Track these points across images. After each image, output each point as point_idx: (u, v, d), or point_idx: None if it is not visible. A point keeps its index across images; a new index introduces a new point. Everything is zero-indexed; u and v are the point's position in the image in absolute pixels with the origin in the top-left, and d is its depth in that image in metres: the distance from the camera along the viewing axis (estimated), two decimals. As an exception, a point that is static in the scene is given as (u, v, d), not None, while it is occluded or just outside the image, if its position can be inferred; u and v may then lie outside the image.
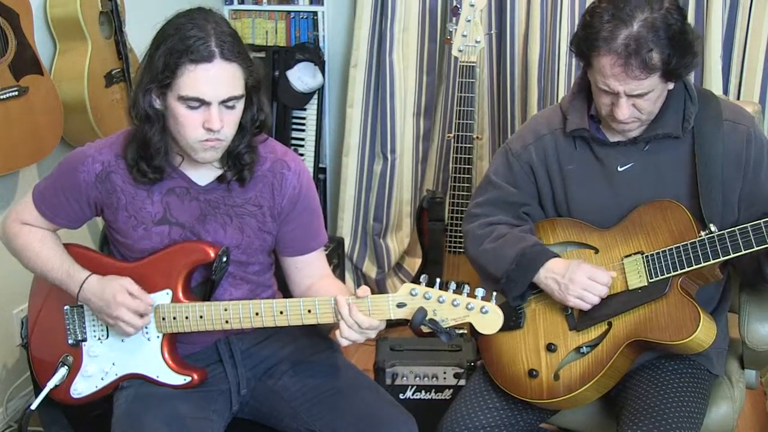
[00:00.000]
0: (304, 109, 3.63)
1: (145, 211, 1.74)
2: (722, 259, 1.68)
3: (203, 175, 1.75)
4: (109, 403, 1.78)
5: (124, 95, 2.75)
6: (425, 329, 1.56)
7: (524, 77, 3.24)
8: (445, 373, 2.42)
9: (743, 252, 1.66)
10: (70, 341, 1.82)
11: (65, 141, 2.65)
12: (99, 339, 1.80)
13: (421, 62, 3.37)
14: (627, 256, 1.80)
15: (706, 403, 1.80)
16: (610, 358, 1.75)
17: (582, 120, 1.84)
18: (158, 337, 1.75)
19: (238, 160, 1.71)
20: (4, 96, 2.31)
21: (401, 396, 2.43)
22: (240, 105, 1.64)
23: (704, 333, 1.68)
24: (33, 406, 1.82)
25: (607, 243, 1.84)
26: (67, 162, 1.77)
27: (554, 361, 1.81)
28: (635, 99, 1.69)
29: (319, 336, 1.90)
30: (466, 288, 1.55)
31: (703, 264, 1.69)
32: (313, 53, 3.53)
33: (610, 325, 1.78)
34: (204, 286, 1.77)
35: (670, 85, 1.73)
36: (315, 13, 3.58)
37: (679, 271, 1.72)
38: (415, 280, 1.81)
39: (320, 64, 3.54)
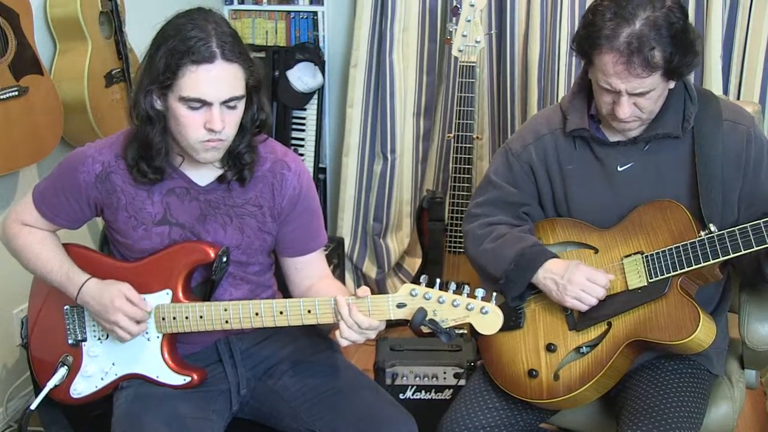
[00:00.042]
0: (304, 109, 3.63)
1: (145, 211, 1.74)
2: (722, 259, 1.68)
3: (203, 176, 1.75)
4: (109, 403, 1.78)
5: (124, 95, 2.75)
6: (425, 329, 1.56)
7: (524, 77, 3.24)
8: (445, 373, 2.42)
9: (743, 252, 1.66)
10: (70, 341, 1.83)
11: (65, 141, 2.65)
12: (99, 339, 1.80)
13: (421, 62, 3.37)
14: (627, 256, 1.80)
15: (705, 403, 1.80)
16: (609, 358, 1.75)
17: (582, 120, 1.84)
18: (158, 337, 1.75)
19: (238, 160, 1.72)
20: (4, 96, 2.31)
21: (401, 396, 2.43)
22: (241, 105, 1.64)
23: (704, 333, 1.68)
24: (33, 406, 1.82)
25: (606, 243, 1.84)
26: (67, 162, 1.77)
27: (554, 361, 1.81)
28: (636, 98, 1.69)
29: (319, 336, 1.90)
30: (466, 288, 1.55)
31: (702, 264, 1.69)
32: (313, 53, 3.53)
33: (609, 325, 1.78)
34: (204, 286, 1.77)
35: (671, 84, 1.73)
36: (315, 13, 3.58)
37: (679, 271, 1.72)
38: (415, 281, 1.81)
39: (320, 64, 3.54)
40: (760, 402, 2.78)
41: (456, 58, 2.84)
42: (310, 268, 1.85)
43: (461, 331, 2.48)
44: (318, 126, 3.63)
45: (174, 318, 1.72)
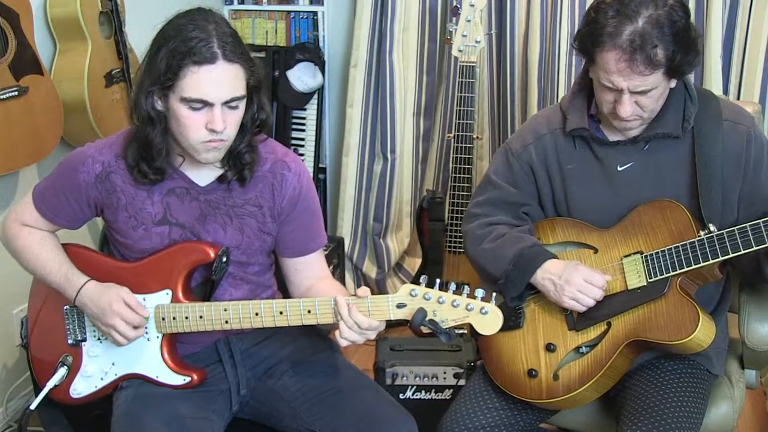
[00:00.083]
0: (304, 109, 3.63)
1: (146, 211, 1.74)
2: (721, 259, 1.68)
3: (203, 176, 1.75)
4: (108, 403, 1.78)
5: (124, 95, 2.75)
6: (425, 330, 1.56)
7: (524, 77, 3.24)
8: (445, 373, 2.42)
9: (742, 252, 1.66)
10: (69, 341, 1.83)
11: (65, 141, 2.65)
12: (99, 339, 1.80)
13: (421, 62, 3.37)
14: (626, 256, 1.80)
15: (705, 403, 1.80)
16: (609, 358, 1.75)
17: (582, 119, 1.84)
18: (158, 337, 1.75)
19: (238, 160, 1.72)
20: (4, 96, 2.32)
21: (401, 396, 2.43)
22: (242, 105, 1.64)
23: (703, 333, 1.68)
24: (32, 406, 1.82)
25: (606, 243, 1.84)
26: (67, 162, 1.77)
27: (553, 361, 1.81)
28: (638, 96, 1.69)
29: (319, 336, 1.90)
30: (466, 289, 1.55)
31: (702, 264, 1.69)
32: (313, 53, 3.53)
33: (609, 325, 1.78)
34: (204, 286, 1.77)
35: (673, 83, 1.73)
36: (315, 13, 3.58)
37: (678, 271, 1.72)
38: (415, 281, 1.81)
39: (320, 64, 3.54)
40: (760, 402, 2.78)
41: (456, 58, 2.84)
42: (309, 269, 1.85)
43: (461, 332, 2.48)
44: (318, 126, 3.63)
45: (174, 318, 1.72)
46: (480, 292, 1.55)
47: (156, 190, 1.74)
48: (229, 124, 1.61)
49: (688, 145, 1.80)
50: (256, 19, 3.66)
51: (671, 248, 1.73)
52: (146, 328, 1.74)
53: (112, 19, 2.70)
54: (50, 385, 1.80)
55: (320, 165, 3.71)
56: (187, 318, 1.71)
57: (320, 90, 3.59)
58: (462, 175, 2.83)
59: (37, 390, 1.86)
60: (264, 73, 1.70)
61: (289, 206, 1.79)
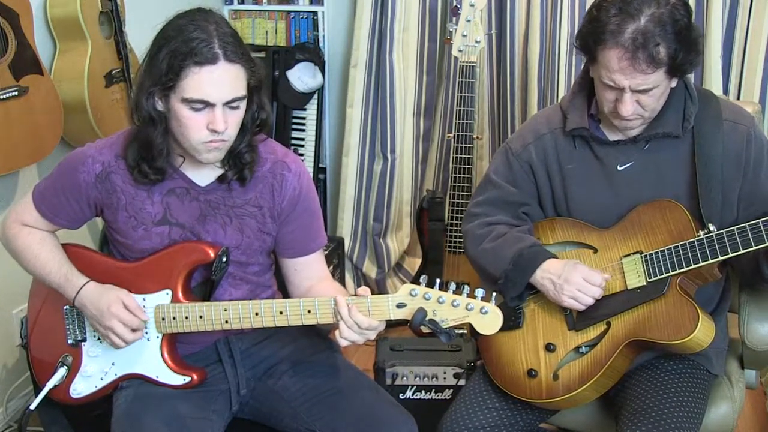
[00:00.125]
0: (304, 109, 3.63)
1: (145, 211, 1.74)
2: (721, 258, 1.68)
3: (203, 176, 1.75)
4: (108, 403, 1.78)
5: (124, 95, 2.75)
6: (425, 329, 1.56)
7: (524, 77, 3.24)
8: (445, 373, 2.42)
9: (741, 252, 1.66)
10: (69, 341, 1.83)
11: (65, 141, 2.65)
12: (98, 339, 1.80)
13: (421, 62, 3.37)
14: (626, 256, 1.80)
15: (705, 403, 1.80)
16: (609, 358, 1.75)
17: (582, 119, 1.84)
18: (158, 337, 1.75)
19: (238, 160, 1.72)
20: (4, 96, 2.32)
21: (401, 396, 2.43)
22: (243, 105, 1.64)
23: (703, 332, 1.68)
24: (32, 406, 1.82)
25: (606, 243, 1.84)
26: (67, 162, 1.77)
27: (553, 361, 1.81)
28: (639, 95, 1.69)
29: (319, 336, 1.90)
30: (466, 288, 1.55)
31: (701, 263, 1.69)
32: (313, 53, 3.53)
33: (609, 324, 1.78)
34: (204, 286, 1.77)
35: (674, 83, 1.73)
36: (315, 13, 3.58)
37: (678, 271, 1.72)
38: (415, 280, 1.81)
39: (320, 64, 3.54)
40: (760, 402, 2.78)
41: (456, 58, 2.84)
42: (309, 270, 1.85)
43: (461, 331, 2.48)
44: (318, 126, 3.63)
45: (174, 318, 1.72)
46: (480, 292, 1.55)
47: (156, 190, 1.74)
48: (230, 124, 1.61)
49: (688, 144, 1.80)
50: (256, 19, 3.66)
51: (671, 248, 1.74)
52: (146, 328, 1.74)
53: (112, 19, 2.70)
54: (50, 385, 1.80)
55: (320, 165, 3.71)
56: (187, 318, 1.71)
57: (320, 90, 3.59)
58: (462, 175, 2.83)
59: (37, 390, 1.86)
60: (264, 73, 1.70)
61: (289, 207, 1.79)
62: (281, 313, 1.66)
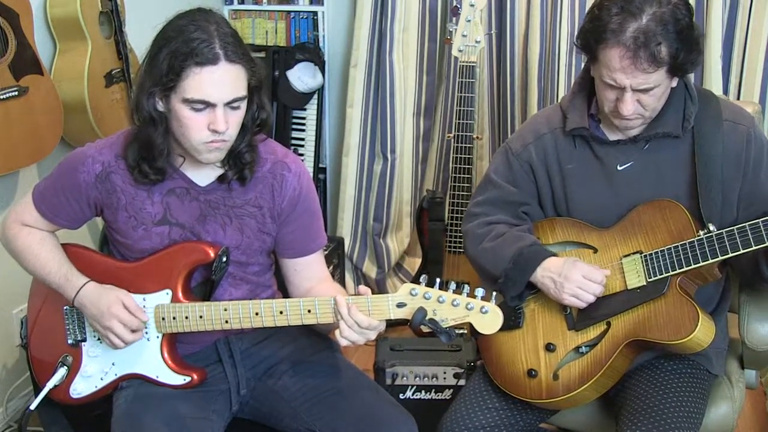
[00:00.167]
0: (304, 109, 3.63)
1: (145, 211, 1.74)
2: (721, 258, 1.68)
3: (204, 176, 1.75)
4: (108, 403, 1.78)
5: (124, 95, 2.75)
6: (425, 329, 1.56)
7: (524, 77, 3.24)
8: (445, 373, 2.42)
9: (741, 252, 1.66)
10: (69, 341, 1.83)
11: (65, 141, 2.65)
12: (98, 339, 1.80)
13: (421, 62, 3.37)
14: (626, 256, 1.80)
15: (705, 403, 1.80)
16: (609, 358, 1.75)
17: (582, 119, 1.84)
18: (158, 337, 1.75)
19: (238, 159, 1.72)
20: (4, 96, 2.32)
21: (401, 396, 2.43)
22: (244, 105, 1.64)
23: (703, 332, 1.68)
24: (32, 406, 1.82)
25: (606, 243, 1.84)
26: (67, 162, 1.77)
27: (553, 361, 1.81)
28: (640, 94, 1.69)
29: (319, 336, 1.90)
30: (466, 288, 1.55)
31: (701, 263, 1.69)
32: (313, 53, 3.53)
33: (608, 324, 1.78)
34: (204, 286, 1.77)
35: (674, 82, 1.73)
36: (315, 13, 3.58)
37: (678, 271, 1.72)
38: (415, 280, 1.81)
39: (320, 64, 3.54)
40: (760, 402, 2.78)
41: (456, 58, 2.84)
42: (309, 270, 1.85)
43: (461, 331, 2.48)
44: (318, 126, 3.63)
45: (174, 318, 1.72)
46: (480, 292, 1.55)
47: (156, 190, 1.74)
48: (231, 124, 1.61)
49: (688, 144, 1.80)
50: (256, 19, 3.66)
51: (671, 248, 1.74)
52: (146, 328, 1.74)
53: (112, 19, 2.70)
54: (50, 385, 1.80)
55: (320, 165, 3.71)
56: (187, 318, 1.71)
57: (320, 90, 3.59)
58: (462, 175, 2.83)
59: (37, 390, 1.86)
60: (264, 73, 1.70)
61: (289, 207, 1.79)
62: (281, 312, 1.66)
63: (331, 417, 1.73)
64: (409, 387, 2.44)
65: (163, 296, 1.73)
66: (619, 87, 1.68)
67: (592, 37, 1.69)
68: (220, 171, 1.74)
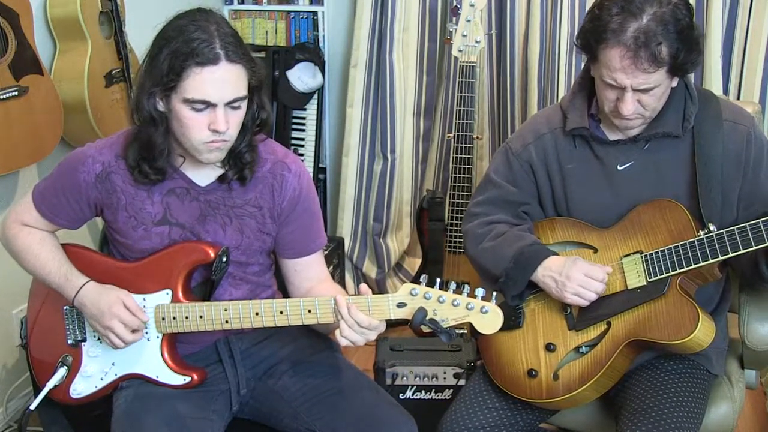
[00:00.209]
0: (304, 109, 3.63)
1: (145, 211, 1.74)
2: (721, 258, 1.68)
3: (204, 176, 1.75)
4: (108, 403, 1.78)
5: (124, 95, 2.75)
6: (425, 329, 1.56)
7: (524, 77, 3.24)
8: (445, 373, 2.42)
9: (742, 251, 1.66)
10: (69, 341, 1.83)
11: (65, 141, 2.65)
12: (98, 339, 1.80)
13: (421, 62, 3.37)
14: (626, 256, 1.80)
15: (705, 403, 1.80)
16: (609, 358, 1.75)
17: (582, 119, 1.84)
18: (158, 337, 1.75)
19: (238, 159, 1.72)
20: (4, 96, 2.32)
21: (401, 396, 2.43)
22: (244, 105, 1.64)
23: (703, 332, 1.68)
24: (32, 406, 1.82)
25: (606, 242, 1.84)
26: (67, 162, 1.77)
27: (553, 360, 1.81)
28: (640, 94, 1.69)
29: (319, 336, 1.90)
30: (466, 288, 1.55)
31: (702, 263, 1.69)
32: (313, 53, 3.53)
33: (609, 324, 1.78)
34: (204, 286, 1.77)
35: (674, 82, 1.74)
36: (315, 13, 3.58)
37: (678, 271, 1.72)
38: (415, 280, 1.81)
39: (320, 64, 3.54)
40: (760, 402, 2.78)
41: (456, 58, 2.84)
42: (309, 270, 1.85)
43: (461, 331, 2.48)
44: (318, 126, 3.63)
45: (174, 318, 1.72)
46: (480, 292, 1.55)
47: (156, 190, 1.74)
48: (231, 124, 1.61)
49: (688, 144, 1.80)
50: (256, 19, 3.66)
51: (671, 248, 1.74)
52: (146, 328, 1.74)
53: (112, 19, 2.70)
54: (50, 385, 1.80)
55: (320, 165, 3.71)
56: (187, 318, 1.71)
57: (320, 90, 3.59)
58: (462, 175, 2.83)
59: (37, 390, 1.86)
60: (265, 73, 1.70)
61: (289, 207, 1.79)
62: (281, 312, 1.66)
63: (331, 417, 1.73)
64: (409, 387, 2.44)
65: (163, 296, 1.73)
66: (619, 87, 1.68)
67: (592, 37, 1.69)
68: (220, 171, 1.74)
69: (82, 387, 1.81)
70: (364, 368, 1.98)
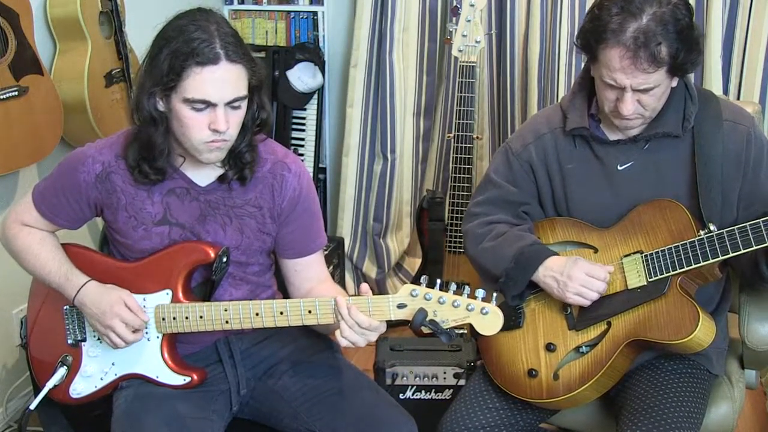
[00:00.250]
0: (304, 109, 3.63)
1: (146, 211, 1.74)
2: (721, 258, 1.68)
3: (204, 176, 1.75)
4: (108, 403, 1.78)
5: (124, 95, 2.75)
6: (425, 330, 1.56)
7: (524, 77, 3.24)
8: (445, 373, 2.42)
9: (742, 251, 1.66)
10: (69, 341, 1.83)
11: (65, 141, 2.65)
12: (98, 339, 1.80)
13: (421, 62, 3.37)
14: (626, 256, 1.80)
15: (705, 403, 1.80)
16: (609, 358, 1.75)
17: (582, 119, 1.84)
18: (158, 337, 1.75)
19: (239, 159, 1.72)
20: (4, 96, 2.32)
21: (401, 396, 2.43)
22: (244, 105, 1.64)
23: (703, 332, 1.68)
24: (32, 406, 1.82)
25: (606, 242, 1.84)
26: (67, 162, 1.77)
27: (554, 360, 1.81)
28: (640, 94, 1.69)
29: (319, 336, 1.90)
30: (467, 289, 1.55)
31: (702, 263, 1.69)
32: (313, 53, 3.53)
33: (609, 324, 1.78)
34: (204, 286, 1.77)
35: (674, 82, 1.74)
36: (315, 13, 3.58)
37: (678, 271, 1.72)
38: (416, 281, 1.81)
39: (320, 64, 3.54)
40: (760, 402, 2.78)
41: (456, 58, 2.84)
42: (309, 270, 1.85)
43: (461, 332, 2.48)
44: (318, 126, 3.63)
45: (174, 318, 1.72)
46: (480, 293, 1.55)
47: (156, 190, 1.74)
48: (231, 124, 1.61)
49: (688, 144, 1.80)
50: (256, 19, 3.66)
51: (671, 248, 1.74)
52: (146, 328, 1.74)
53: (112, 19, 2.70)
54: (50, 385, 1.80)
55: (320, 165, 3.71)
56: (187, 318, 1.71)
57: (320, 90, 3.59)
58: (462, 175, 2.83)
59: (37, 390, 1.86)
60: (265, 72, 1.70)
61: (289, 207, 1.79)
62: (281, 313, 1.66)
63: (331, 417, 1.73)
64: (409, 387, 2.44)
65: (164, 296, 1.73)
66: (619, 87, 1.68)
67: (592, 37, 1.69)
68: (220, 171, 1.74)
69: (81, 387, 1.81)
70: (364, 368, 1.98)
